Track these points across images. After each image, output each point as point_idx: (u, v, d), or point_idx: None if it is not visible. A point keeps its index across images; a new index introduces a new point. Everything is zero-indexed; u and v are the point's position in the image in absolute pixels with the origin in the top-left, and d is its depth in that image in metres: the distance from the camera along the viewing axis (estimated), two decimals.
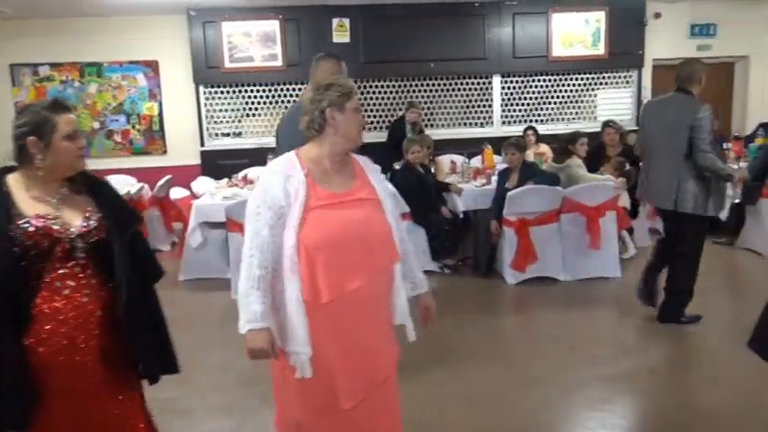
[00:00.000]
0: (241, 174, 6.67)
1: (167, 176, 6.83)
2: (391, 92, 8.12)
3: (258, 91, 7.93)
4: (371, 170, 2.05)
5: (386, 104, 8.17)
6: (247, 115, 8.00)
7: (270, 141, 7.75)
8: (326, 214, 1.84)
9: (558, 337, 4.04)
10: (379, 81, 8.08)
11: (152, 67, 7.77)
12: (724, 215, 6.04)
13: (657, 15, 8.29)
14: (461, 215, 5.64)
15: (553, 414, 3.08)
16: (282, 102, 7.97)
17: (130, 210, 2.13)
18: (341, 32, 7.78)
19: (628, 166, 5.61)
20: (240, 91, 7.91)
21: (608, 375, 3.44)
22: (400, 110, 8.01)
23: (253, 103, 7.97)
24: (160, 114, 7.88)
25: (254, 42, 7.67)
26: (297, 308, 1.79)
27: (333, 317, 1.83)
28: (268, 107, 7.98)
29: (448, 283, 5.29)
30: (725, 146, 7.19)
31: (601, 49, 8.18)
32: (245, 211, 1.89)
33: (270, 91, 7.94)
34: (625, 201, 5.60)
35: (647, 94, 8.49)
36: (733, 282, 5.51)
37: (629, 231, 5.76)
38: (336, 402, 1.87)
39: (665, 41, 8.44)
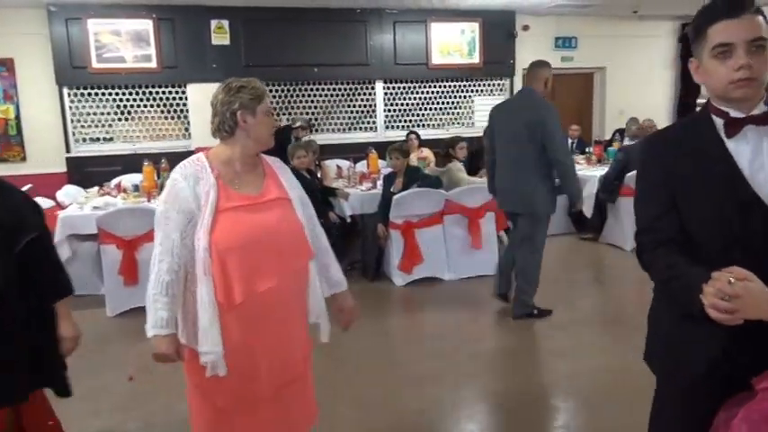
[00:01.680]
0: (114, 181, 6.24)
1: (27, 185, 6.20)
2: (275, 96, 8.00)
3: (131, 93, 7.47)
4: (282, 171, 2.06)
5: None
6: (119, 119, 7.51)
7: (145, 147, 7.38)
8: (237, 216, 1.84)
9: (444, 336, 4.17)
10: None
11: (6, 65, 7.06)
12: (589, 213, 6.59)
13: (526, 28, 8.87)
14: (349, 220, 5.66)
15: (442, 412, 3.16)
16: (158, 105, 7.57)
17: (22, 214, 1.94)
18: (220, 34, 7.54)
19: None
20: (111, 93, 7.41)
21: (493, 369, 3.60)
22: (283, 114, 7.92)
23: (125, 106, 7.50)
24: (17, 118, 7.18)
25: (124, 42, 7.22)
26: (209, 309, 1.79)
27: (246, 317, 1.83)
28: (142, 110, 7.55)
29: None
30: (587, 150, 7.84)
31: (476, 58, 8.60)
32: (155, 215, 1.86)
33: (144, 94, 7.52)
34: None
35: None
36: (599, 274, 5.98)
37: (507, 231, 6.08)
38: (251, 400, 1.89)
39: (533, 52, 9.00)
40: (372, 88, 8.42)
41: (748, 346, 1.32)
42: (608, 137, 8.87)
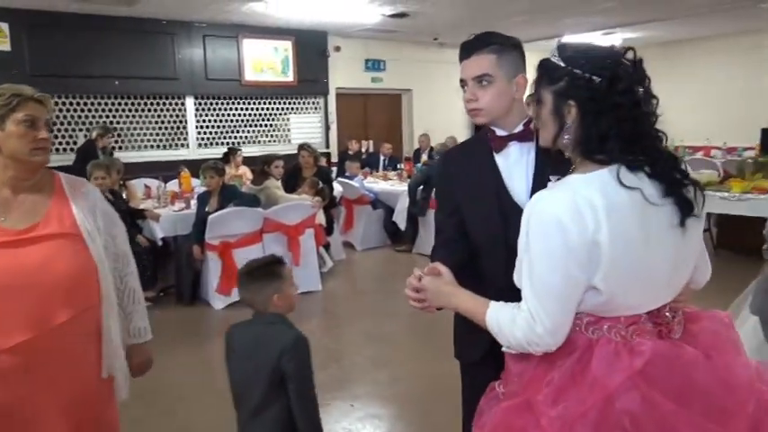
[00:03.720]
0: None
1: None
2: (69, 110, 7.25)
3: None
4: (82, 197, 1.71)
5: (65, 124, 7.25)
6: None
7: None
8: None
9: None
10: (54, 98, 7.11)
11: None
12: (403, 225, 6.95)
13: (338, 49, 9.16)
14: (160, 242, 5.31)
15: None
16: None
17: None
18: None
19: (321, 185, 5.99)
20: None
21: (317, 381, 3.60)
22: (80, 129, 7.21)
23: None
24: None
25: None
26: None
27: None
28: None
29: (149, 317, 4.90)
30: (399, 166, 8.30)
31: (290, 77, 8.66)
32: None
33: None
34: (321, 218, 5.99)
35: (333, 119, 9.30)
36: None
37: (326, 247, 6.17)
38: None
39: (345, 72, 9.36)
40: (182, 104, 8.04)
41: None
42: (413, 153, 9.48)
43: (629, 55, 1.25)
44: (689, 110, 8.72)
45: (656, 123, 1.27)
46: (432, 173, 6.64)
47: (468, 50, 1.61)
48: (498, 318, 1.28)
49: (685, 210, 1.23)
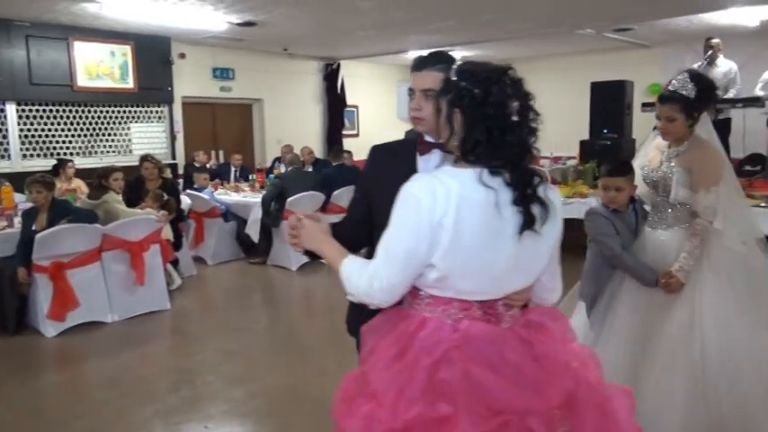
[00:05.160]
0: None
1: None
2: None
3: None
4: None
5: None
6: None
7: None
8: None
9: (118, 380, 3.80)
10: None
11: None
12: (256, 237, 6.82)
13: (182, 56, 8.76)
14: None
15: None
16: None
17: None
18: None
19: (167, 198, 5.68)
20: None
21: (166, 409, 3.41)
22: None
23: None
24: None
25: None
26: None
27: None
28: None
29: None
30: (250, 177, 8.13)
31: (130, 83, 8.13)
32: None
33: None
34: (168, 233, 5.68)
35: (179, 128, 8.88)
36: (269, 296, 6.22)
37: (175, 263, 5.87)
38: None
39: (191, 80, 8.98)
40: (2, 111, 7.21)
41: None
42: (269, 164, 9.35)
43: (512, 73, 1.43)
44: None
45: (534, 138, 1.45)
46: (284, 185, 6.60)
47: (420, 65, 1.75)
48: (350, 267, 1.48)
49: (526, 222, 1.38)
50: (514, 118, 1.40)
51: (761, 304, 2.51)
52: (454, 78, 1.44)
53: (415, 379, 1.37)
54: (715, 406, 2.34)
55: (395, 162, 1.85)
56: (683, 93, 2.52)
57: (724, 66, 6.78)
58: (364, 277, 1.43)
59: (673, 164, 2.60)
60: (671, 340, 2.46)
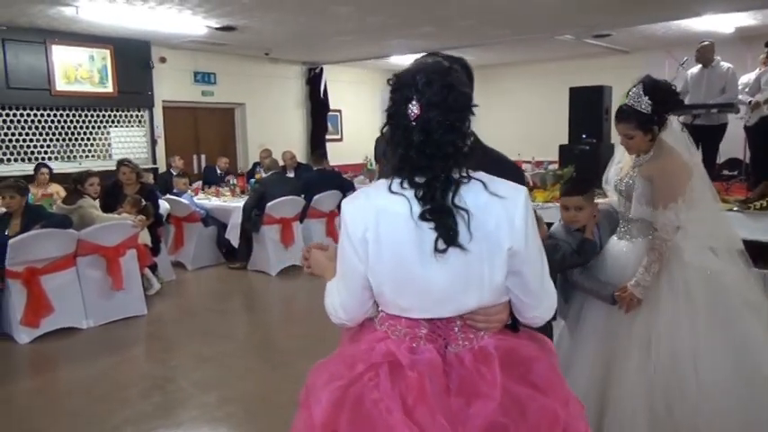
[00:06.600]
0: None
1: None
2: None
3: None
4: None
5: None
6: None
7: None
8: None
9: (89, 388, 3.76)
10: None
11: None
12: (236, 242, 6.79)
13: (163, 60, 8.72)
14: None
15: None
16: None
17: None
18: None
19: (144, 203, 5.65)
20: None
21: (137, 416, 3.38)
22: None
23: None
24: None
25: None
26: None
27: None
28: None
29: None
30: (232, 181, 8.10)
31: (110, 87, 8.08)
32: None
33: None
34: (146, 238, 5.64)
35: (159, 133, 8.82)
36: (248, 301, 6.19)
37: (153, 268, 5.83)
38: None
39: (172, 85, 8.94)
40: None
41: None
42: (250, 168, 9.30)
43: (430, 72, 1.32)
44: (501, 127, 9.61)
45: (467, 139, 1.33)
46: (264, 190, 6.58)
47: None
48: (328, 287, 1.50)
49: (442, 237, 1.28)
50: (413, 122, 1.29)
51: (728, 324, 2.40)
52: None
53: (343, 386, 1.40)
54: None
55: None
56: (638, 108, 2.40)
57: (721, 67, 6.59)
58: (331, 296, 1.48)
59: (635, 173, 2.51)
60: (631, 361, 2.41)
